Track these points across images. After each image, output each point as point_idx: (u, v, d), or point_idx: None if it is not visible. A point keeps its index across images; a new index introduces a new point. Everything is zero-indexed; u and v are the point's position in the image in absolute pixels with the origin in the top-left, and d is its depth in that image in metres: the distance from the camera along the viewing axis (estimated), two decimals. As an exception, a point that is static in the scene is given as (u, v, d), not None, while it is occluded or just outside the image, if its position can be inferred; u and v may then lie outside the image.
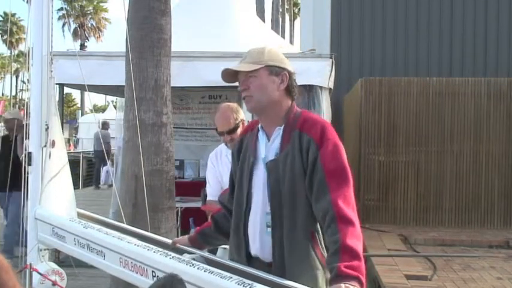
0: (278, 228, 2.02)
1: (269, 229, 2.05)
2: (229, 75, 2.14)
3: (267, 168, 2.07)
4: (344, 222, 1.81)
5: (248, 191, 2.12)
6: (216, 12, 7.48)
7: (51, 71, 3.18)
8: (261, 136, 2.15)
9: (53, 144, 3.17)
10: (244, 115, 3.62)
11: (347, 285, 1.63)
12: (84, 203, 9.00)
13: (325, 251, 1.99)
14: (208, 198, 3.83)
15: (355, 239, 1.78)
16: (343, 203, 1.85)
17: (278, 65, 2.09)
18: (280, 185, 2.02)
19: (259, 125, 2.18)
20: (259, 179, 2.10)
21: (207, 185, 3.89)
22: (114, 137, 12.53)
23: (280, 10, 29.20)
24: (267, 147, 2.11)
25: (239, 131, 3.41)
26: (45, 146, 3.15)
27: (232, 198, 2.28)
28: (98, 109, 43.51)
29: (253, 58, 2.10)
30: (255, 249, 2.11)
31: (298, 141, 2.01)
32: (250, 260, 2.13)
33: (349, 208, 1.86)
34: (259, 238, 2.09)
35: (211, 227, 2.39)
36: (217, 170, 3.81)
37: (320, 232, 2.01)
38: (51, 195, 3.14)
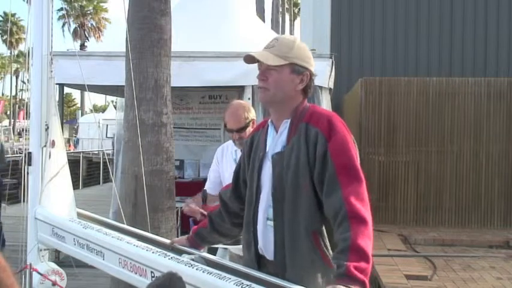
0: (279, 223, 1.99)
1: (269, 222, 2.02)
2: (251, 56, 2.08)
3: (272, 160, 2.05)
4: (356, 221, 1.76)
5: (257, 186, 2.09)
6: (216, 12, 7.48)
7: (51, 71, 3.18)
8: (270, 130, 2.13)
9: (53, 144, 3.17)
10: (255, 114, 3.59)
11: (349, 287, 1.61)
12: (84, 203, 9.01)
13: (330, 251, 1.96)
14: (208, 192, 3.82)
15: (367, 238, 1.73)
16: (355, 200, 1.80)
17: (302, 65, 2.05)
18: (283, 178, 1.99)
19: (270, 120, 2.16)
20: (266, 173, 2.07)
21: (208, 180, 3.88)
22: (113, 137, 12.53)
23: (280, 10, 29.21)
24: (275, 140, 2.08)
25: (249, 130, 3.38)
26: (45, 146, 3.16)
27: (233, 194, 2.27)
28: (98, 109, 43.55)
29: (281, 51, 2.04)
30: (260, 246, 2.08)
31: (305, 133, 1.97)
32: (260, 258, 2.08)
33: (363, 206, 1.81)
34: (263, 234, 2.06)
35: (207, 227, 2.36)
36: (220, 165, 3.81)
37: (324, 234, 1.98)
38: (51, 195, 3.15)
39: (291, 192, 1.97)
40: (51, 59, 3.18)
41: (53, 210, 3.12)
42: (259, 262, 2.08)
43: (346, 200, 1.80)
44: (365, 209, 1.81)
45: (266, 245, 2.05)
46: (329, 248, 1.97)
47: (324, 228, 1.98)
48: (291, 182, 1.97)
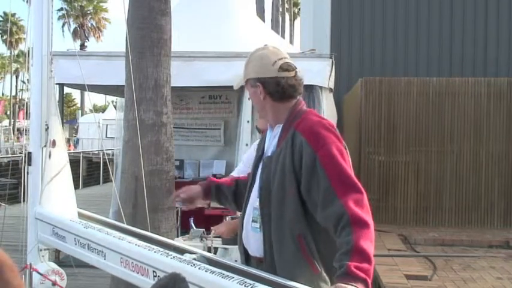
0: (266, 226, 2.04)
1: (253, 224, 2.09)
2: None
3: (262, 164, 2.13)
4: (359, 225, 1.78)
5: (250, 185, 2.19)
6: (216, 12, 7.48)
7: (51, 71, 3.18)
8: (269, 133, 2.21)
9: (53, 144, 3.16)
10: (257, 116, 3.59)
11: (351, 285, 1.62)
12: (84, 203, 9.00)
13: (315, 257, 1.96)
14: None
15: (369, 241, 1.75)
16: (355, 206, 1.81)
17: (253, 77, 2.16)
18: (270, 182, 2.04)
19: (269, 124, 2.24)
20: (258, 174, 2.15)
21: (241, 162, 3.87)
22: (113, 137, 12.54)
23: (280, 10, 29.21)
24: (269, 144, 2.16)
25: None
26: (45, 146, 3.15)
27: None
28: (98, 109, 43.53)
29: (243, 71, 2.23)
30: (244, 242, 2.17)
31: (291, 139, 2.01)
32: (248, 253, 2.17)
33: (363, 211, 1.82)
34: (245, 230, 2.15)
35: (230, 186, 2.41)
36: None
37: (310, 239, 1.97)
38: (52, 195, 3.14)
39: (277, 197, 2.01)
40: (51, 59, 3.17)
41: (53, 210, 3.12)
42: (247, 257, 2.18)
43: (347, 207, 1.81)
44: (366, 213, 1.82)
45: (247, 242, 2.15)
46: (315, 252, 1.97)
47: (310, 233, 1.98)
48: (277, 186, 2.01)
